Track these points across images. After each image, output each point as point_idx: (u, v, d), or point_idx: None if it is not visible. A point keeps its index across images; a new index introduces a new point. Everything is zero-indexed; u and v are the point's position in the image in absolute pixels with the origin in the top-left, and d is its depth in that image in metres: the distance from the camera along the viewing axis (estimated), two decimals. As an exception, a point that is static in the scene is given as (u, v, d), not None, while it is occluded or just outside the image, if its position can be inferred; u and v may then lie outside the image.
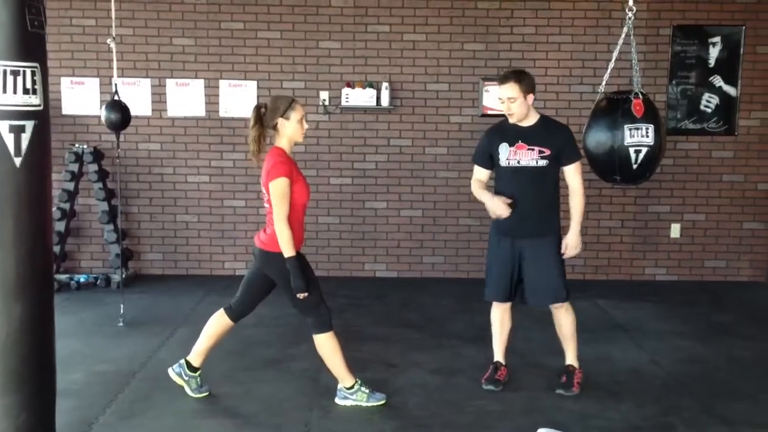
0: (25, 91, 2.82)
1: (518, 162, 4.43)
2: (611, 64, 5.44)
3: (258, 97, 7.25)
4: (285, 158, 4.14)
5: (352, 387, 4.33)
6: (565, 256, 4.50)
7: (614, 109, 5.04)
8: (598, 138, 4.93)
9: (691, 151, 7.39)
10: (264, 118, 4.19)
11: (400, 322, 6.05)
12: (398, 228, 7.49)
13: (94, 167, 7.00)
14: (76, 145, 7.05)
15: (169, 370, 4.46)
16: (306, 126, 4.24)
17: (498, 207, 4.38)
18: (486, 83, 7.22)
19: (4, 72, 2.76)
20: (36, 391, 2.93)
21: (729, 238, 7.49)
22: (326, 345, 4.29)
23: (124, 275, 6.57)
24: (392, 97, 7.24)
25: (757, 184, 7.40)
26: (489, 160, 4.56)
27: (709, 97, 7.32)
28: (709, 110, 7.32)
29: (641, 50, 7.05)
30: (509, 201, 4.38)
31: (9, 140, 2.79)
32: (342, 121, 7.35)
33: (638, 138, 4.93)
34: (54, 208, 6.69)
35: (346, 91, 7.17)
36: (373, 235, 7.49)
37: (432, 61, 7.29)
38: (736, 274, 7.51)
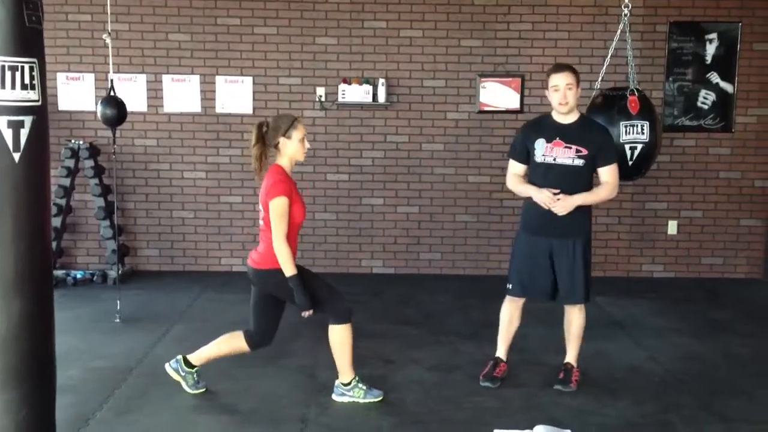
0: (24, 87, 2.82)
1: (554, 159, 4.35)
2: (607, 61, 5.46)
3: (254, 93, 7.24)
4: (285, 177, 4.14)
5: (349, 383, 4.32)
6: (556, 203, 4.32)
7: (610, 106, 5.06)
8: None
9: (688, 148, 7.39)
10: (266, 136, 4.19)
11: (397, 318, 6.04)
12: (395, 224, 7.48)
13: (90, 163, 6.98)
14: (72, 141, 7.03)
15: (166, 366, 4.45)
16: (308, 145, 4.25)
17: (548, 199, 4.30)
18: (482, 80, 7.21)
19: (3, 67, 2.76)
20: (36, 387, 2.93)
21: (726, 235, 7.49)
22: (340, 336, 4.25)
23: (120, 271, 6.56)
24: (389, 94, 7.23)
25: (754, 180, 7.41)
26: (525, 154, 4.48)
27: (706, 93, 7.31)
28: (705, 107, 7.32)
29: (638, 47, 7.05)
30: (557, 192, 4.31)
31: (8, 135, 2.79)
32: (338, 117, 7.33)
33: (633, 135, 4.96)
34: (50, 204, 6.66)
35: (342, 87, 7.15)
36: (369, 232, 7.48)
37: (429, 58, 7.28)
38: (733, 271, 7.52)
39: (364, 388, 4.33)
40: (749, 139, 7.37)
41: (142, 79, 7.25)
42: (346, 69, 7.25)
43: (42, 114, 2.92)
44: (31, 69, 2.84)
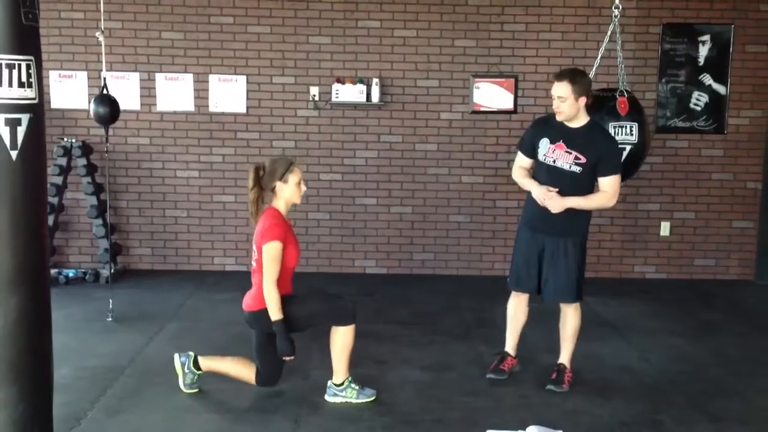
0: (21, 85, 2.82)
1: (553, 162, 4.39)
2: (597, 62, 5.47)
3: (248, 92, 7.23)
4: (280, 221, 4.16)
5: (342, 384, 4.32)
6: (546, 197, 4.37)
7: (599, 107, 5.07)
8: None
9: (681, 150, 7.41)
10: (262, 180, 4.20)
11: (390, 318, 6.04)
12: (388, 224, 7.48)
13: (82, 161, 6.95)
14: (65, 139, 7.00)
15: (176, 355, 4.43)
16: (304, 188, 4.27)
17: (544, 194, 4.35)
18: (476, 80, 7.21)
19: (0, 65, 2.75)
20: (34, 383, 2.95)
21: (718, 237, 7.51)
22: (343, 337, 4.24)
23: (112, 270, 6.54)
24: (382, 93, 7.22)
25: (746, 182, 7.43)
26: (531, 150, 4.52)
27: (699, 95, 7.34)
28: (698, 108, 7.34)
29: (631, 48, 7.08)
30: (555, 190, 4.34)
31: (5, 133, 2.80)
32: (332, 117, 7.32)
33: (622, 136, 4.96)
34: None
35: (336, 86, 7.15)
36: (362, 232, 7.48)
37: (422, 58, 7.28)
38: (725, 273, 7.55)
39: (357, 388, 4.33)
40: (742, 140, 7.39)
41: (135, 77, 7.23)
42: (339, 68, 7.24)
43: (39, 112, 2.94)
44: (28, 67, 2.85)
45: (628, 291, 7.00)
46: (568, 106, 4.30)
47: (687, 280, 7.48)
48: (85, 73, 7.19)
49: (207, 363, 4.42)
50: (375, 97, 7.17)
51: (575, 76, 4.33)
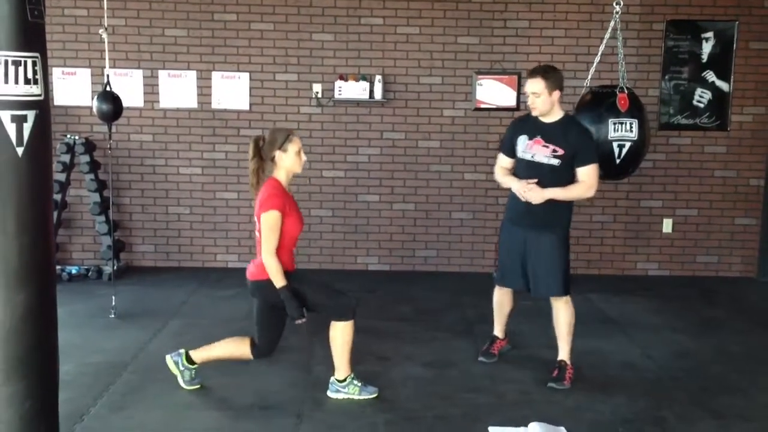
0: (27, 81, 2.83)
1: (532, 156, 4.53)
2: (597, 58, 5.47)
3: (251, 89, 7.23)
4: (280, 191, 4.15)
5: (344, 380, 4.33)
6: (526, 189, 4.48)
7: (599, 103, 5.07)
8: None
9: (684, 147, 7.40)
10: (262, 150, 4.19)
11: (393, 315, 6.05)
12: (391, 221, 7.48)
13: (85, 158, 6.97)
14: (68, 136, 7.01)
15: (167, 357, 4.45)
16: (305, 158, 4.26)
17: (523, 187, 4.49)
18: (479, 77, 7.21)
19: (6, 62, 2.77)
20: (40, 379, 2.96)
21: (721, 234, 7.51)
22: (342, 333, 4.26)
23: (115, 267, 6.55)
24: (385, 90, 7.22)
25: (749, 179, 7.42)
26: (512, 149, 4.67)
27: (702, 92, 7.33)
28: (701, 105, 7.33)
29: (634, 45, 7.08)
30: (534, 181, 4.46)
31: (11, 130, 2.80)
32: (335, 113, 7.33)
33: (622, 132, 4.96)
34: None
35: (339, 83, 7.15)
36: (365, 228, 7.48)
37: (425, 54, 7.28)
38: (727, 270, 7.54)
39: (359, 384, 4.34)
40: (745, 137, 7.38)
41: (138, 74, 7.24)
42: (342, 65, 7.24)
43: (44, 108, 2.94)
44: (34, 63, 2.86)
45: (631, 288, 7.00)
46: (542, 102, 4.45)
47: (689, 277, 7.48)
48: (89, 70, 7.20)
49: (199, 355, 4.42)
50: (378, 94, 7.17)
51: (548, 72, 4.48)
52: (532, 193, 4.45)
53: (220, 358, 4.42)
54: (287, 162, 4.18)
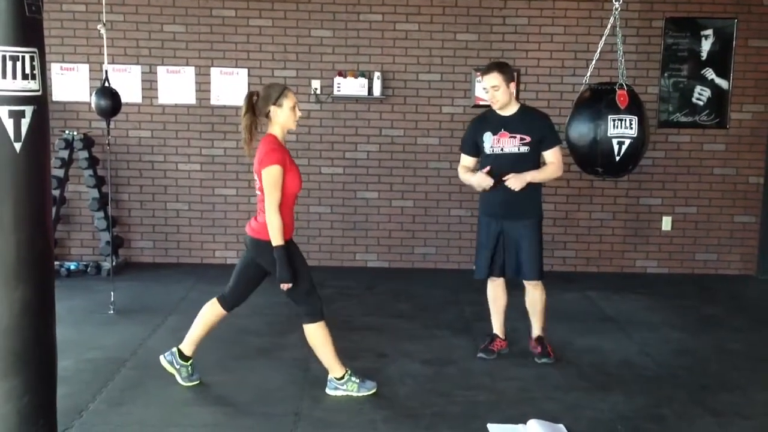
0: (24, 77, 2.82)
1: (501, 149, 4.76)
2: (596, 56, 5.45)
3: (249, 85, 7.21)
4: (278, 146, 4.12)
5: (342, 377, 4.32)
6: (507, 181, 4.68)
7: (598, 100, 5.06)
8: (580, 129, 4.96)
9: (683, 144, 7.40)
10: (256, 106, 4.17)
11: (391, 312, 6.05)
12: (389, 218, 7.48)
13: (84, 154, 6.95)
14: (67, 132, 7.00)
15: (161, 358, 4.45)
16: (299, 113, 4.23)
17: (482, 179, 4.72)
18: (478, 74, 7.18)
19: (3, 57, 2.76)
20: (38, 374, 2.96)
21: (720, 231, 7.51)
22: (317, 335, 4.28)
23: (114, 263, 6.54)
24: (384, 87, 7.22)
25: (749, 177, 7.42)
26: (475, 148, 4.89)
27: (701, 89, 7.32)
28: (701, 103, 7.33)
29: (633, 42, 7.07)
30: (487, 171, 4.72)
31: (9, 125, 2.79)
32: (334, 110, 7.32)
33: (621, 129, 4.94)
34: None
35: (338, 80, 7.14)
36: (364, 225, 7.48)
37: (424, 51, 7.26)
38: (726, 267, 7.54)
39: (358, 381, 4.33)
40: (744, 135, 7.38)
41: (136, 70, 7.22)
42: (341, 62, 7.23)
43: (42, 104, 2.93)
44: (32, 59, 2.84)
45: (630, 285, 7.00)
46: (502, 93, 4.71)
47: (688, 274, 7.48)
48: (87, 65, 7.18)
49: (187, 346, 4.42)
50: (377, 91, 7.16)
51: (501, 66, 4.80)
52: (513, 180, 4.66)
53: (203, 331, 4.43)
54: (282, 117, 4.15)
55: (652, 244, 7.53)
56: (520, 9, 7.21)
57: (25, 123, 2.83)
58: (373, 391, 4.34)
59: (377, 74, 7.15)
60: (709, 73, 7.30)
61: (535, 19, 7.23)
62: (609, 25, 5.17)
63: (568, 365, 4.89)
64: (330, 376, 4.35)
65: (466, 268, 7.41)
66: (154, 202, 7.43)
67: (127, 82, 7.11)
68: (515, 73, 4.85)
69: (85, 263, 7.08)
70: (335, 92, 7.17)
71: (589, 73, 5.29)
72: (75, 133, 6.98)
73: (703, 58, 7.28)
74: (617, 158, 5.27)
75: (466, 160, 4.96)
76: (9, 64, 2.77)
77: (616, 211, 7.47)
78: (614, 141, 5.13)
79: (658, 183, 7.42)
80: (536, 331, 5.01)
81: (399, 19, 7.21)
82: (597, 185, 7.31)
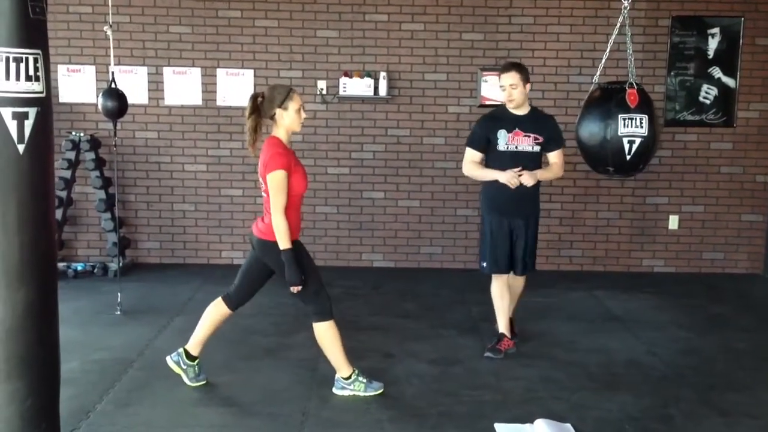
0: (28, 78, 2.82)
1: (516, 147, 4.89)
2: (605, 55, 5.44)
3: (255, 86, 7.22)
4: (283, 149, 4.11)
5: (349, 377, 4.32)
6: (523, 176, 4.84)
7: (608, 99, 5.05)
8: (590, 128, 4.96)
9: (690, 143, 7.38)
10: (261, 107, 4.16)
11: (398, 312, 6.05)
12: (396, 218, 7.47)
13: (91, 155, 6.97)
14: (73, 133, 7.02)
15: (167, 359, 4.46)
16: (304, 115, 4.22)
17: (511, 177, 4.81)
18: (484, 73, 7.19)
19: (7, 59, 2.75)
20: (41, 376, 2.96)
21: (727, 230, 7.48)
22: (326, 334, 4.28)
23: (121, 264, 6.56)
24: (390, 87, 7.21)
25: (756, 176, 7.39)
26: (485, 143, 4.96)
27: (708, 88, 7.30)
28: (707, 102, 7.30)
29: (640, 41, 7.05)
30: (519, 169, 4.82)
31: (12, 127, 2.79)
32: (339, 110, 7.32)
33: (632, 128, 4.93)
34: (50, 197, 6.66)
35: (343, 80, 7.14)
36: (370, 225, 7.48)
37: (430, 51, 7.26)
38: (733, 266, 7.52)
39: (364, 381, 4.34)
40: (751, 134, 7.35)
41: (143, 71, 7.24)
42: (347, 62, 7.23)
43: (46, 105, 2.93)
44: (36, 60, 2.84)
45: (636, 285, 6.98)
46: (519, 92, 4.87)
47: (695, 273, 7.46)
48: (93, 67, 7.20)
49: (194, 347, 4.43)
50: (382, 91, 7.16)
51: (519, 66, 4.97)
52: (526, 177, 4.81)
53: (209, 331, 4.44)
54: (287, 120, 4.15)
55: (659, 243, 7.51)
56: (525, 8, 7.20)
57: (28, 125, 2.83)
58: (380, 391, 4.34)
59: (383, 74, 7.15)
60: (716, 72, 7.27)
61: (541, 18, 7.22)
62: (618, 24, 5.16)
63: (574, 365, 4.88)
64: (337, 376, 4.36)
65: (472, 268, 7.41)
66: (161, 203, 7.44)
67: (133, 83, 7.12)
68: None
69: (92, 264, 7.10)
70: (341, 92, 7.17)
71: (598, 73, 5.29)
72: (82, 134, 7.01)
73: (710, 57, 7.26)
74: (628, 157, 5.27)
75: (476, 156, 5.02)
76: (12, 65, 2.77)
77: (623, 210, 7.45)
78: (625, 140, 5.12)
79: (665, 182, 7.41)
80: (510, 313, 5.21)
81: (405, 19, 7.21)
82: (603, 184, 7.30)
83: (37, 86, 2.86)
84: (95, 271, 7.01)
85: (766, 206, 7.41)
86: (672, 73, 7.27)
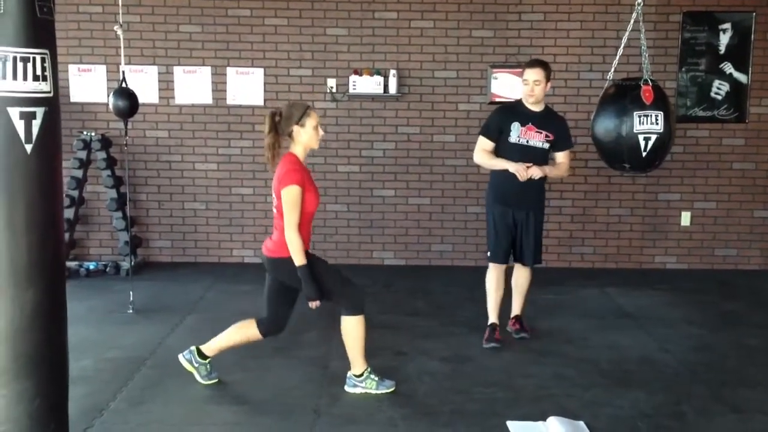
0: (36, 78, 2.81)
1: (527, 142, 5.01)
2: (620, 51, 5.42)
3: (265, 84, 7.24)
4: (298, 166, 4.13)
5: (361, 375, 4.33)
6: (528, 171, 4.94)
7: (623, 96, 5.03)
8: (606, 125, 4.95)
9: (702, 139, 7.34)
10: (279, 125, 4.17)
11: (409, 310, 6.05)
12: (406, 216, 7.47)
13: (102, 155, 7.00)
14: (84, 133, 7.05)
15: (180, 356, 4.47)
16: (322, 133, 4.25)
17: (520, 168, 4.90)
18: (494, 70, 7.18)
19: (15, 59, 2.75)
20: (49, 376, 2.95)
21: (739, 227, 7.45)
22: (354, 328, 4.26)
23: (133, 262, 6.58)
24: (400, 85, 7.21)
25: (768, 171, 7.36)
26: (498, 134, 5.06)
27: (720, 84, 7.26)
28: (719, 97, 7.27)
29: (651, 37, 7.01)
30: (529, 165, 4.93)
31: (20, 127, 2.78)
32: (349, 108, 7.32)
33: (648, 125, 4.91)
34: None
35: (353, 78, 7.14)
36: (381, 223, 7.48)
37: (440, 48, 7.25)
38: (746, 263, 7.48)
39: (376, 379, 4.34)
40: (763, 129, 7.31)
41: (153, 70, 7.26)
42: (357, 60, 7.23)
43: (54, 105, 2.92)
44: (43, 60, 2.83)
45: (649, 281, 6.96)
46: (541, 89, 4.97)
47: (708, 270, 7.43)
48: (104, 66, 7.23)
49: (209, 347, 4.43)
50: (392, 89, 7.16)
51: (545, 64, 5.05)
52: (534, 170, 4.92)
53: (230, 345, 4.43)
54: (305, 137, 4.17)
55: (671, 239, 7.48)
56: (536, 5, 7.18)
57: (36, 124, 2.82)
58: (392, 389, 4.34)
59: (393, 72, 7.15)
60: (728, 67, 7.24)
61: (551, 14, 7.20)
62: (632, 20, 5.15)
63: (586, 362, 4.87)
64: (349, 373, 4.36)
65: (482, 265, 7.35)
66: (172, 202, 7.46)
67: (144, 82, 7.14)
68: None
69: (104, 263, 7.12)
70: (351, 90, 7.17)
71: (613, 69, 5.28)
72: (93, 133, 7.03)
73: (722, 52, 7.22)
74: (644, 154, 5.25)
75: (488, 144, 5.09)
76: (20, 65, 2.76)
77: (635, 207, 7.43)
78: (640, 137, 5.10)
79: (677, 178, 7.38)
80: (517, 310, 5.34)
81: (414, 16, 7.21)
82: (615, 181, 7.27)
83: (45, 86, 2.85)
84: (107, 269, 7.04)
85: (779, 202, 7.38)
86: (683, 69, 7.24)
